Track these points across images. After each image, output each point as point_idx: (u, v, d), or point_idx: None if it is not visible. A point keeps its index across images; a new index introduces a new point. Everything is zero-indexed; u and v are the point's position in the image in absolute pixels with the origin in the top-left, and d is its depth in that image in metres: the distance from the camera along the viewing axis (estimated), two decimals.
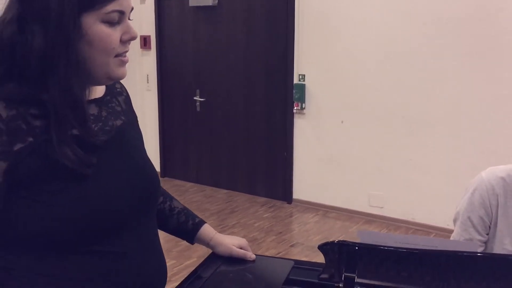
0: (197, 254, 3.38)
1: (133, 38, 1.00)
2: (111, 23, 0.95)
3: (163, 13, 5.40)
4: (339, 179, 4.50)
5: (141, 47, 5.55)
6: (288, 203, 4.81)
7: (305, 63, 4.52)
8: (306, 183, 4.73)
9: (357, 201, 4.41)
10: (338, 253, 1.12)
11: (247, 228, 4.27)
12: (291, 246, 3.93)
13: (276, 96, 4.78)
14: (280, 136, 4.81)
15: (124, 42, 0.99)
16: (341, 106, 4.40)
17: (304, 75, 4.54)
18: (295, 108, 4.59)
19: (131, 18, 1.01)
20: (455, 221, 1.75)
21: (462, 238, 1.67)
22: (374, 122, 4.26)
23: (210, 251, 1.38)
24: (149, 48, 5.51)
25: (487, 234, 1.64)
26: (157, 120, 5.63)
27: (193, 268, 1.30)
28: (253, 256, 1.34)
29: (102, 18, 0.93)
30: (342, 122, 4.42)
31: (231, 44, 4.97)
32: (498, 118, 3.71)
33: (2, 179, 0.90)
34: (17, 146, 0.91)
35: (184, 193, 5.17)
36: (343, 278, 1.14)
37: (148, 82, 5.62)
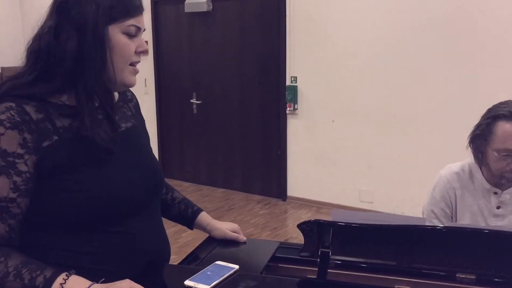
0: None
1: (145, 50, 1.23)
2: (129, 35, 1.18)
3: (159, 19, 5.59)
4: (331, 176, 4.70)
5: None
6: (282, 200, 5.01)
7: (297, 65, 4.72)
8: (299, 180, 4.92)
9: (348, 197, 4.60)
10: (315, 231, 1.31)
11: (243, 224, 4.45)
12: (286, 240, 4.12)
13: (270, 98, 4.98)
14: (274, 136, 5.00)
15: (138, 53, 1.21)
16: (332, 106, 4.60)
17: (296, 77, 4.73)
18: (288, 109, 4.79)
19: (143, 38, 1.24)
20: (422, 215, 1.97)
21: None
22: (364, 121, 4.45)
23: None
24: (146, 53, 5.68)
25: None
26: (155, 123, 5.82)
27: None
28: (244, 238, 1.53)
29: (123, 30, 1.16)
30: (333, 121, 4.61)
31: (225, 48, 5.16)
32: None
33: (33, 170, 1.10)
34: (45, 143, 1.10)
35: (182, 193, 5.29)
36: (319, 254, 1.33)
37: (146, 86, 5.80)
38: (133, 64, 1.21)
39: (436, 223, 1.86)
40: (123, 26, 1.16)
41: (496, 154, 1.68)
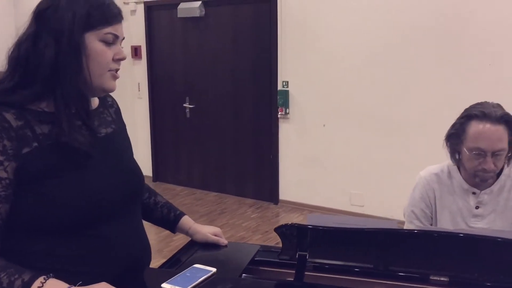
0: None
1: (123, 58, 1.25)
2: (106, 43, 1.20)
3: (153, 24, 5.63)
4: (322, 180, 4.73)
5: (132, 57, 5.76)
6: (274, 204, 5.03)
7: (288, 70, 4.76)
8: (291, 184, 4.95)
9: (339, 201, 4.64)
10: (292, 234, 1.34)
11: (235, 228, 4.49)
12: (276, 244, 4.13)
13: (262, 102, 5.01)
14: (266, 140, 5.03)
15: (116, 61, 1.23)
16: (323, 110, 4.63)
17: (287, 82, 4.77)
18: (279, 113, 4.82)
19: (122, 47, 1.26)
20: (404, 216, 2.00)
21: None
22: (354, 125, 4.49)
23: None
24: (140, 57, 5.73)
25: (431, 225, 1.88)
26: (149, 127, 5.84)
27: None
28: (225, 242, 1.56)
29: (100, 37, 1.19)
30: (324, 125, 4.65)
31: (218, 53, 5.20)
32: None
33: (13, 177, 1.12)
34: (25, 150, 1.13)
35: (175, 196, 5.38)
36: (297, 256, 1.36)
37: (139, 90, 5.83)
38: (112, 70, 1.23)
39: (416, 223, 1.90)
40: (100, 34, 1.18)
41: (467, 152, 1.72)
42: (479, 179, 1.76)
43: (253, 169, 5.20)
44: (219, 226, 4.47)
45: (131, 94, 5.87)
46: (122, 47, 1.27)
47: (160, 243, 3.94)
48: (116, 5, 1.24)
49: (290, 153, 4.90)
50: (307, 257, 1.36)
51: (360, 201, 4.55)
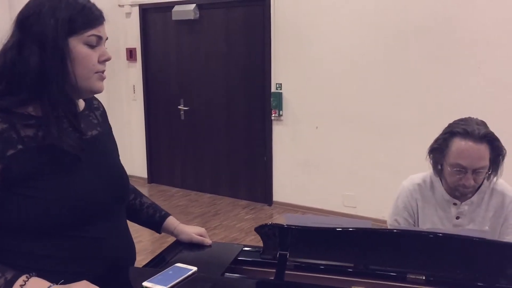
0: None
1: (108, 59, 1.27)
2: (90, 46, 1.22)
3: (147, 27, 5.66)
4: (315, 182, 4.77)
5: (127, 59, 5.80)
6: (268, 205, 5.07)
7: (282, 72, 4.79)
8: (285, 186, 4.98)
9: (332, 202, 4.67)
10: (272, 234, 1.37)
11: (228, 229, 4.52)
12: None
13: (255, 104, 5.05)
14: (260, 142, 5.07)
15: (101, 62, 1.26)
16: (316, 112, 4.67)
17: (281, 84, 4.81)
18: (273, 115, 4.86)
19: (105, 46, 1.28)
20: (388, 225, 2.02)
21: None
22: (347, 127, 4.53)
23: None
24: (135, 60, 5.76)
25: None
26: (143, 129, 5.87)
27: None
28: (210, 242, 1.59)
29: (84, 41, 1.21)
30: (317, 127, 4.68)
31: (212, 56, 5.24)
32: None
33: None
34: (10, 152, 1.16)
35: (170, 198, 5.41)
36: (277, 256, 1.39)
37: (134, 92, 5.86)
38: (98, 72, 1.25)
39: None
40: (83, 37, 1.20)
41: (449, 168, 1.75)
42: (459, 193, 1.81)
43: (247, 171, 5.23)
44: (213, 227, 4.55)
45: (126, 96, 5.90)
46: (106, 48, 1.28)
47: (154, 244, 3.97)
48: (97, 7, 1.25)
49: (284, 155, 4.93)
50: (288, 256, 1.39)
51: (352, 202, 4.58)
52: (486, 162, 1.72)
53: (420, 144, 4.09)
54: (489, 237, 1.33)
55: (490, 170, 1.77)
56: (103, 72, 1.27)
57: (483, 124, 1.79)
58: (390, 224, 1.96)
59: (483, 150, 1.71)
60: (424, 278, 1.35)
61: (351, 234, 1.34)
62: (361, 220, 1.32)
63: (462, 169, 1.72)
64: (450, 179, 1.78)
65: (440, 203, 1.88)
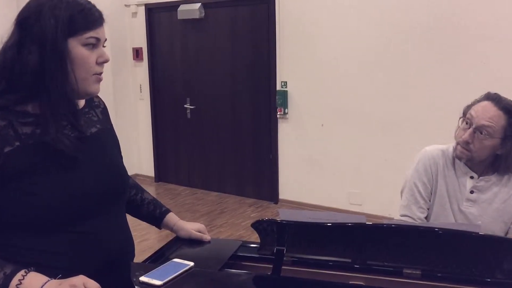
0: None
1: (106, 61, 1.28)
2: (89, 47, 1.23)
3: (153, 26, 5.69)
4: (321, 179, 4.77)
5: (133, 59, 5.84)
6: (274, 203, 5.08)
7: (287, 70, 4.80)
8: (290, 183, 4.99)
9: (337, 200, 4.67)
10: (269, 230, 1.38)
11: (234, 227, 4.53)
12: None
13: (261, 102, 5.06)
14: (266, 140, 5.08)
15: (99, 64, 1.27)
16: (321, 110, 4.67)
17: (286, 82, 4.81)
18: (278, 113, 4.87)
19: (105, 45, 1.30)
20: (402, 191, 2.03)
21: (409, 203, 1.94)
22: (352, 125, 4.52)
23: None
24: (141, 59, 5.79)
25: (430, 200, 1.91)
26: (150, 128, 5.91)
27: None
28: (209, 238, 1.60)
29: (83, 42, 1.22)
30: (322, 125, 4.68)
31: (217, 54, 5.25)
32: None
33: None
34: (7, 149, 1.18)
35: (177, 196, 5.44)
36: (275, 251, 1.40)
37: (141, 92, 5.90)
38: (96, 74, 1.27)
39: (417, 197, 1.92)
40: (82, 38, 1.21)
41: (461, 121, 1.82)
42: (458, 152, 1.83)
43: (253, 169, 5.24)
44: (219, 225, 4.57)
45: (133, 96, 5.94)
46: (105, 46, 1.30)
47: (160, 242, 3.99)
48: (97, 9, 1.27)
49: (289, 153, 4.94)
50: (285, 252, 1.40)
51: (358, 200, 4.58)
52: (493, 126, 1.74)
53: (425, 141, 4.09)
54: (482, 231, 1.33)
55: (508, 146, 1.77)
56: (100, 74, 1.28)
57: None
58: (409, 188, 1.95)
59: (497, 116, 1.75)
60: (420, 272, 1.36)
61: (347, 229, 1.35)
62: (355, 215, 1.32)
63: (468, 121, 1.78)
64: (458, 133, 1.83)
65: (458, 174, 1.89)
